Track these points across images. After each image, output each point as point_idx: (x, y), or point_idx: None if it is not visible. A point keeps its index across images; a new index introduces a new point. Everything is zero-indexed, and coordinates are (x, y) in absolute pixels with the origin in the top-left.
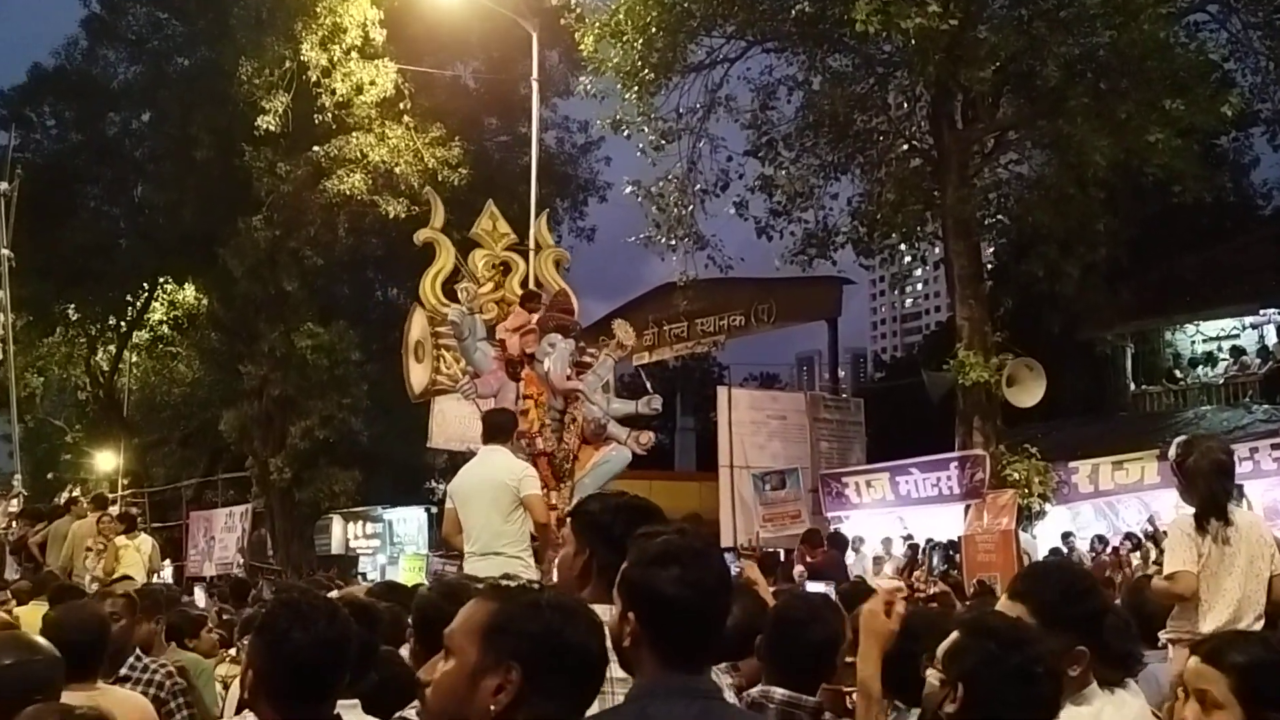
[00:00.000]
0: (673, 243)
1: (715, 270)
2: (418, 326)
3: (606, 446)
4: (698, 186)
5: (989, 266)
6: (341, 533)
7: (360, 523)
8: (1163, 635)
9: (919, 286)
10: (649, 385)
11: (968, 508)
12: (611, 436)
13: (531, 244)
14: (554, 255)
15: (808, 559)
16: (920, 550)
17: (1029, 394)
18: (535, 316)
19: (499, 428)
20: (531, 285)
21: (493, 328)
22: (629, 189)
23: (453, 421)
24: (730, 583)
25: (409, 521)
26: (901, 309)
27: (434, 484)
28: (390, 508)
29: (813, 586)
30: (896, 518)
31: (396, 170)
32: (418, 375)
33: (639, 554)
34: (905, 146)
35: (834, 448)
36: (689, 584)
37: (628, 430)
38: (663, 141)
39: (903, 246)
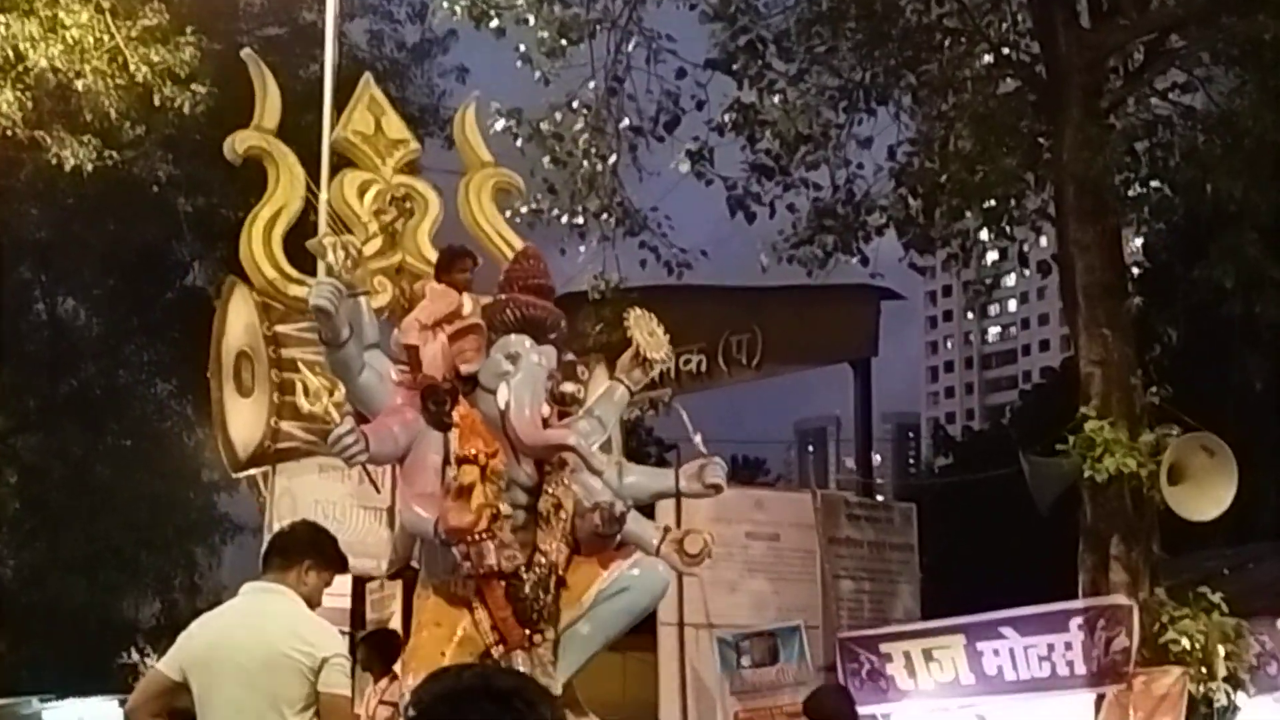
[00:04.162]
0: (580, 221)
1: (657, 272)
2: (240, 323)
3: (620, 560)
4: (625, 122)
5: (1136, 271)
6: None
7: None
8: None
9: (1012, 305)
10: (699, 439)
11: (1101, 699)
12: (631, 540)
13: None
14: (495, 179)
15: None
16: None
17: (1208, 497)
18: (471, 299)
19: (286, 549)
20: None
21: (397, 321)
22: (500, 124)
23: (311, 513)
24: None
25: None
26: (982, 344)
27: (137, 656)
28: (55, 699)
29: None
30: (975, 716)
31: (79, 86)
32: (243, 421)
33: None
34: (990, 58)
35: (864, 590)
36: None
37: (661, 529)
38: (563, 42)
39: (985, 233)
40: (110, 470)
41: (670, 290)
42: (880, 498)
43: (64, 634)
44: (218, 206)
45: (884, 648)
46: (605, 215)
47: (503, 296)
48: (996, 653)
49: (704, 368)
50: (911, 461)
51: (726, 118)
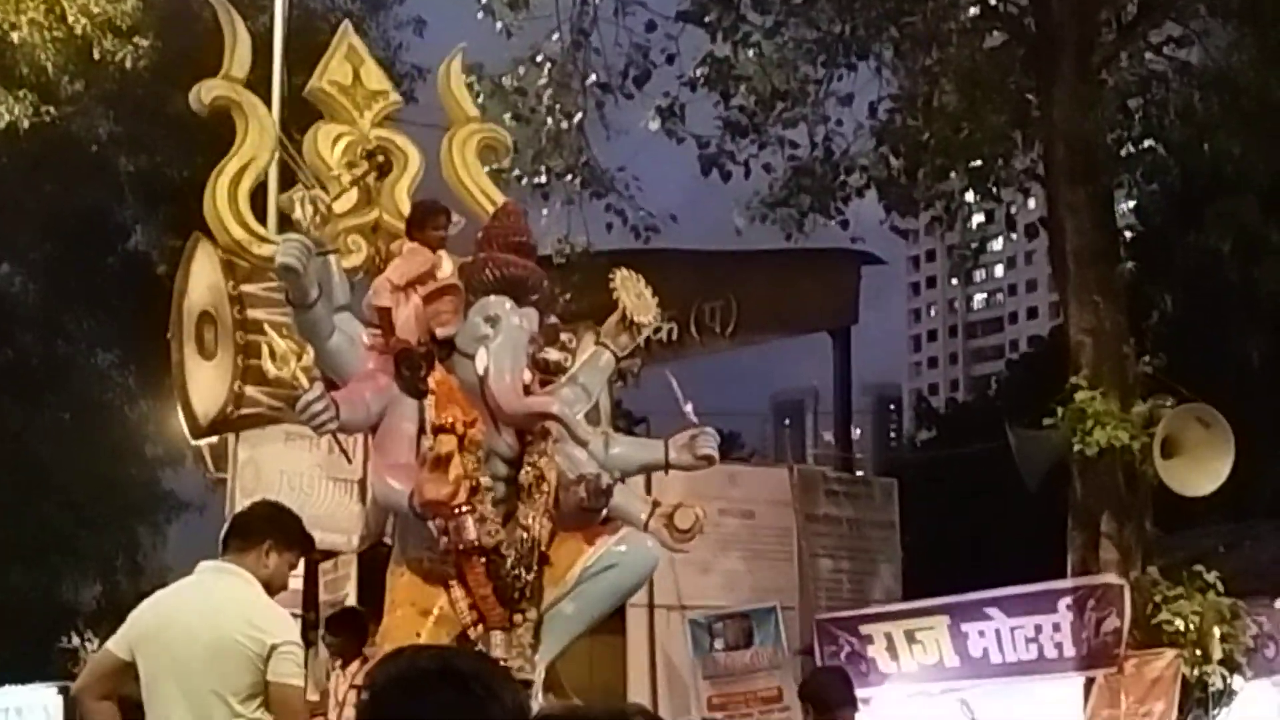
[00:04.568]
0: (543, 181)
1: (624, 236)
2: (203, 282)
3: (606, 535)
4: (592, 78)
5: (1129, 235)
6: None
7: None
8: None
9: (999, 270)
10: (690, 408)
11: (1090, 683)
12: (617, 515)
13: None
14: (481, 135)
15: None
16: None
17: (1204, 472)
18: (448, 258)
19: (246, 529)
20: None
21: (369, 280)
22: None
23: (277, 485)
24: None
25: (29, 712)
26: (967, 312)
27: (78, 641)
28: None
29: None
30: (958, 701)
31: (14, 38)
32: (206, 385)
33: None
34: (977, 10)
35: (843, 570)
36: None
37: (649, 503)
38: None
39: (970, 195)
40: (48, 445)
41: (640, 255)
42: (860, 473)
43: (0, 618)
44: (161, 166)
45: (864, 629)
46: (570, 175)
47: (481, 255)
48: (982, 634)
49: (675, 337)
50: (893, 435)
51: (699, 73)
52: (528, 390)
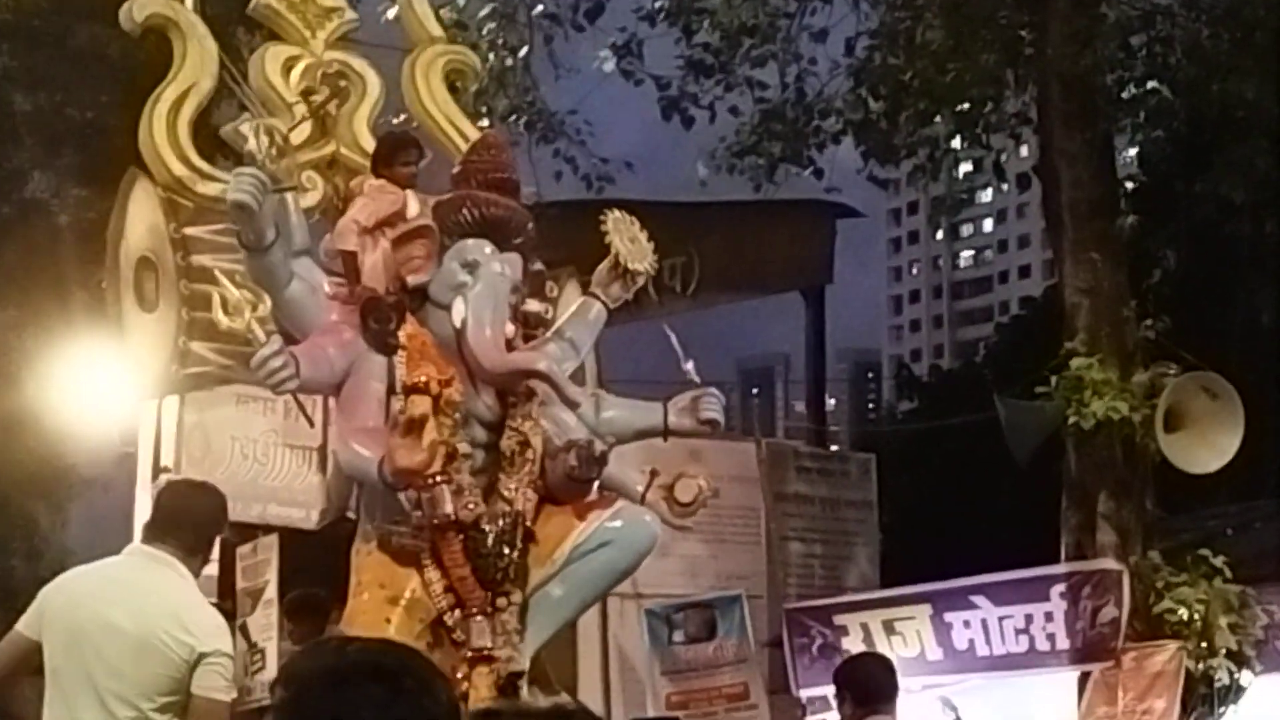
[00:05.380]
0: (485, 124)
1: (576, 185)
2: (142, 224)
3: (599, 509)
4: (539, 9)
5: (1130, 185)
6: None
7: None
8: None
9: (987, 225)
10: (691, 367)
11: (1086, 678)
12: (611, 486)
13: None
14: (448, 58)
15: None
16: None
17: (1210, 447)
18: (417, 197)
19: (174, 515)
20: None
21: (330, 223)
22: (393, 10)
23: (228, 453)
24: None
25: None
26: (953, 270)
27: None
28: None
29: None
30: (939, 699)
31: None
32: (145, 341)
33: None
34: None
35: (816, 554)
36: None
37: (646, 473)
38: None
39: (957, 141)
40: None
41: (593, 206)
42: (835, 447)
43: None
44: (63, 105)
45: (838, 619)
46: (515, 117)
47: (458, 193)
48: (967, 624)
49: (632, 296)
50: (871, 406)
51: (658, 5)
52: (510, 345)
